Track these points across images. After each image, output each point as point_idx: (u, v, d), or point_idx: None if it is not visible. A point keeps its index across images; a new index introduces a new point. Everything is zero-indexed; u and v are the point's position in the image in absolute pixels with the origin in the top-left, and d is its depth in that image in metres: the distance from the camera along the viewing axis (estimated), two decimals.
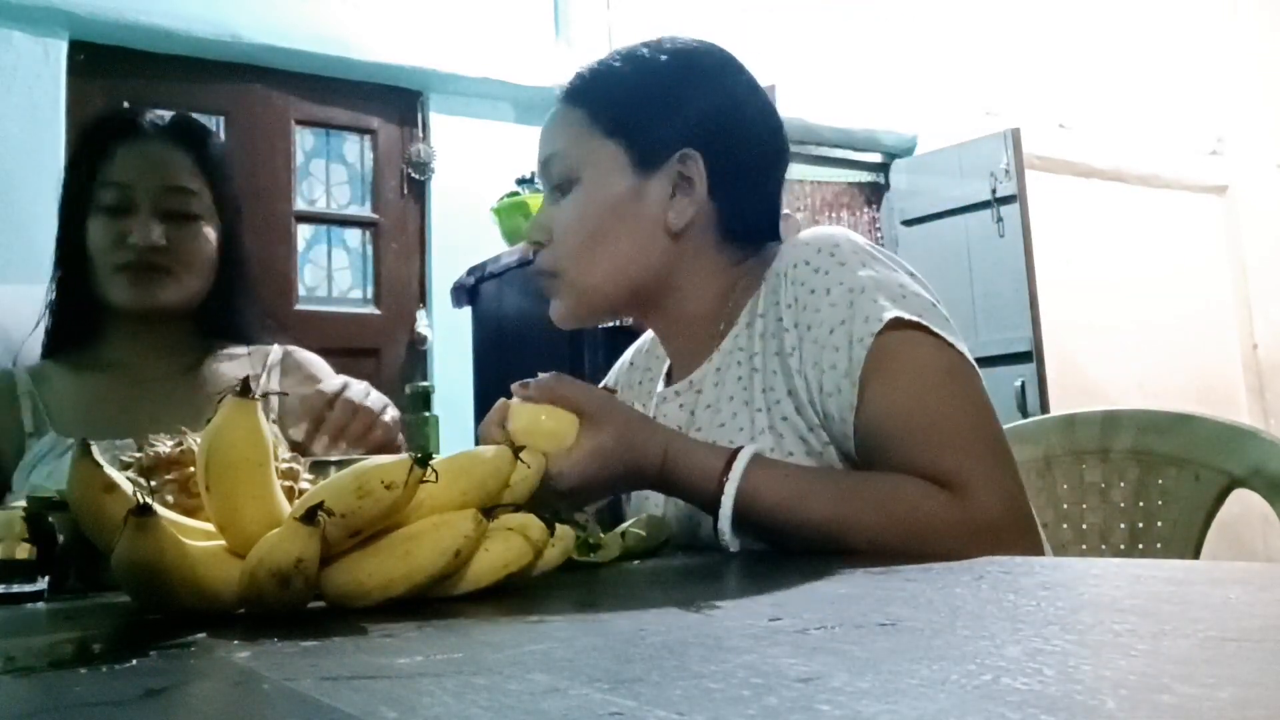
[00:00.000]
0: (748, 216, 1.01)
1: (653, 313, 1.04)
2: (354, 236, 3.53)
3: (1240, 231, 5.29)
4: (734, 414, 0.95)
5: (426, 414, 1.55)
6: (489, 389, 2.61)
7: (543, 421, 0.82)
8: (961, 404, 0.86)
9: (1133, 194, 5.01)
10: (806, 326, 0.90)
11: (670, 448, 0.84)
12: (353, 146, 3.54)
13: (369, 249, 3.52)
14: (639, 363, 1.18)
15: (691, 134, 0.97)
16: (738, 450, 0.83)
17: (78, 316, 1.37)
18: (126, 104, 1.41)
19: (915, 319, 0.85)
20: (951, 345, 0.87)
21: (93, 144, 1.34)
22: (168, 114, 1.38)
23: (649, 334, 1.19)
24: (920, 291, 0.89)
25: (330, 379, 1.44)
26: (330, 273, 3.50)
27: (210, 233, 1.34)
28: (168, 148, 1.33)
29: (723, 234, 1.00)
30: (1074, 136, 4.75)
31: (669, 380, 1.09)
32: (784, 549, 0.85)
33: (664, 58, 1.00)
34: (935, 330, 0.86)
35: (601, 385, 1.05)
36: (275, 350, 1.44)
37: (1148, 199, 5.06)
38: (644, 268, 0.98)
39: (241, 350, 1.42)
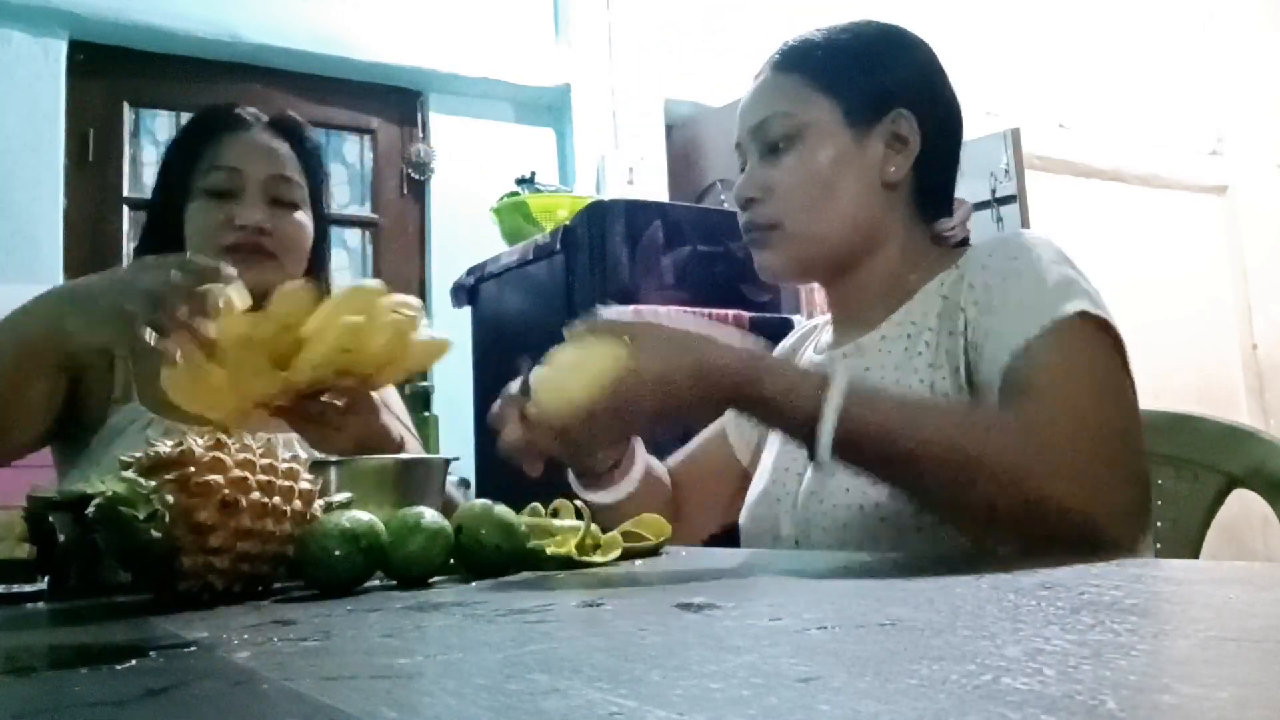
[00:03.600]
0: (940, 188, 1.06)
1: (845, 274, 1.06)
2: (354, 236, 3.53)
3: (1240, 231, 5.28)
4: (896, 382, 0.96)
5: (426, 414, 1.55)
6: (488, 389, 2.60)
7: (577, 358, 0.79)
8: (1110, 402, 0.84)
9: (1133, 194, 5.01)
10: (987, 306, 0.91)
11: (754, 360, 0.82)
12: (352, 146, 3.54)
13: (369, 249, 3.52)
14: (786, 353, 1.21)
15: (903, 95, 1.03)
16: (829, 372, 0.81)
17: None
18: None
19: (1103, 315, 0.86)
20: (1125, 358, 0.87)
21: (200, 132, 1.37)
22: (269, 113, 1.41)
23: (793, 333, 1.25)
24: (1105, 305, 0.89)
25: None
26: (330, 273, 3.49)
27: (307, 221, 1.38)
28: (272, 138, 1.37)
29: (918, 203, 1.04)
30: (1074, 136, 4.75)
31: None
32: (883, 476, 0.82)
33: (875, 30, 1.07)
34: (1118, 335, 0.86)
35: None
36: None
37: (1148, 199, 5.06)
38: (862, 219, 1.02)
39: None
